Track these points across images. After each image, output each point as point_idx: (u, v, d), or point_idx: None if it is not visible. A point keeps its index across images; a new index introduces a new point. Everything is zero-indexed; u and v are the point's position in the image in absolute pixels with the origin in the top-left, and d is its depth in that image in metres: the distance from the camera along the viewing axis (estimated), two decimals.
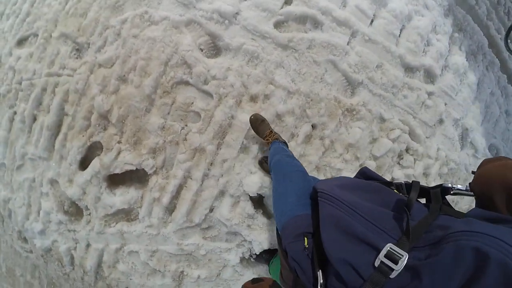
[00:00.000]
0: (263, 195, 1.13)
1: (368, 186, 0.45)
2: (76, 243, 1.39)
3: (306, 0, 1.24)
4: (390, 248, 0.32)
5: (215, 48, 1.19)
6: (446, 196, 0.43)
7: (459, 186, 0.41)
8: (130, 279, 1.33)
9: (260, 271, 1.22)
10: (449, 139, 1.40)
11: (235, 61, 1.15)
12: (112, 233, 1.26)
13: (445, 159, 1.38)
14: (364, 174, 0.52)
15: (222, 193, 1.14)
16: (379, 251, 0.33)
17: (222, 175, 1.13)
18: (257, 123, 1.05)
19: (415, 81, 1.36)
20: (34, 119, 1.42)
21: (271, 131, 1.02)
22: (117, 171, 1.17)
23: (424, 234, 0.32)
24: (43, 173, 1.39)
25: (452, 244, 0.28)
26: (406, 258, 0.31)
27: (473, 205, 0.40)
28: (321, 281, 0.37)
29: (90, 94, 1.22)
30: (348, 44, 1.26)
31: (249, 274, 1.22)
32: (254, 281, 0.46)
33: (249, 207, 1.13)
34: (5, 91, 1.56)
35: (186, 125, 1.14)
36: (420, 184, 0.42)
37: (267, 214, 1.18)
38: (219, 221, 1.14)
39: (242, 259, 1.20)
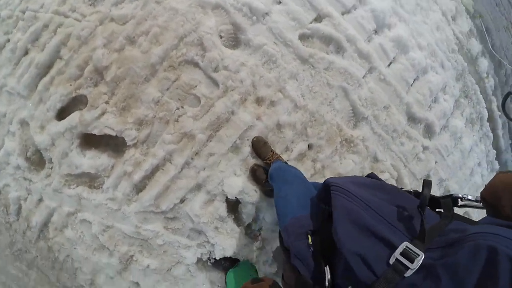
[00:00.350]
0: (240, 201, 1.04)
1: (380, 186, 0.43)
2: (28, 194, 1.22)
3: (336, 23, 1.20)
4: (407, 246, 0.31)
5: (234, 40, 1.10)
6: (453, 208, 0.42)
7: (470, 197, 0.41)
8: (75, 248, 1.17)
9: (214, 277, 1.11)
10: None
11: (251, 58, 1.07)
12: (69, 195, 1.10)
13: None
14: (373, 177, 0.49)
15: (198, 187, 1.03)
16: (394, 248, 0.32)
17: (204, 169, 1.02)
18: (260, 145, 1.00)
19: (415, 132, 1.34)
20: (26, 52, 1.26)
21: (273, 152, 0.98)
22: (95, 131, 1.04)
23: (437, 237, 0.32)
24: (16, 111, 1.22)
25: (471, 243, 0.28)
26: (422, 258, 0.30)
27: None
28: (329, 277, 0.37)
29: (92, 45, 1.08)
30: (363, 77, 1.22)
31: (202, 277, 1.10)
32: (254, 281, 0.46)
33: (222, 209, 1.02)
34: (6, 16, 1.39)
35: (183, 107, 1.03)
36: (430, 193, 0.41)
37: (238, 221, 1.08)
38: (186, 215, 1.03)
39: (199, 260, 1.09)
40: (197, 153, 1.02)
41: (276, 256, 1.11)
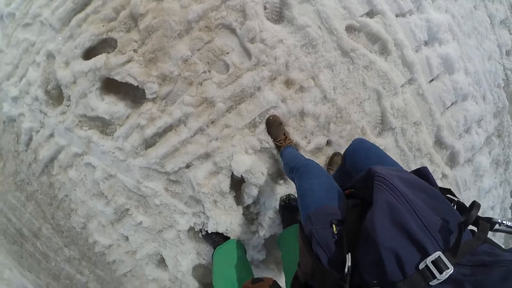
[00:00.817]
0: (245, 180, 0.98)
1: (425, 188, 0.41)
2: (41, 127, 1.20)
3: (387, 24, 1.09)
4: (439, 256, 0.31)
5: (278, 15, 1.02)
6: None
7: (509, 223, 0.39)
8: (74, 189, 1.15)
9: (202, 250, 1.07)
10: None
11: (291, 37, 0.98)
12: (79, 136, 1.08)
13: None
14: (421, 174, 0.45)
15: (207, 156, 0.98)
16: (426, 255, 0.32)
17: (217, 139, 0.96)
18: (275, 125, 0.95)
19: (438, 157, 1.23)
20: None
21: (286, 136, 0.94)
22: (118, 77, 0.99)
23: (468, 255, 0.32)
24: (45, 43, 1.19)
25: (503, 268, 0.29)
26: (451, 271, 0.30)
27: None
28: (349, 264, 0.36)
29: None
30: (401, 86, 1.12)
31: (190, 246, 1.06)
32: (254, 281, 0.45)
33: (225, 184, 0.97)
34: None
35: (210, 71, 0.96)
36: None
37: (238, 200, 1.02)
38: (189, 181, 0.98)
39: (191, 229, 1.05)
40: (213, 121, 0.96)
41: (266, 244, 1.06)
